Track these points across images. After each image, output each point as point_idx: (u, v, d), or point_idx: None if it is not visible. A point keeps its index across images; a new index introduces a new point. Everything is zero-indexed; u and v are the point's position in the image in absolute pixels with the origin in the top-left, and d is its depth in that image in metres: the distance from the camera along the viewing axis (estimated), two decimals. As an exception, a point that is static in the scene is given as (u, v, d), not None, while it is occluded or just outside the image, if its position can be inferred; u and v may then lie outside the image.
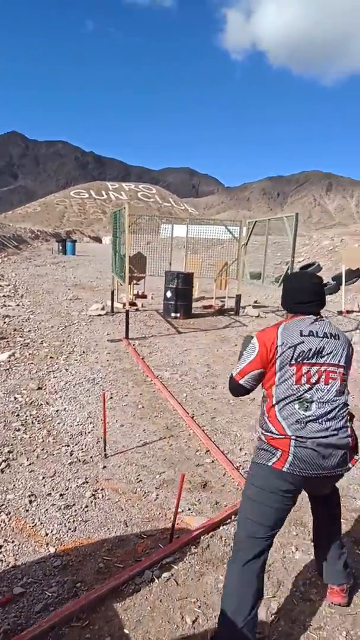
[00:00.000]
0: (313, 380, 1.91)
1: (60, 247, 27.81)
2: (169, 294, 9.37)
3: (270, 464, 1.86)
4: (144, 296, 12.41)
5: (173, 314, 9.34)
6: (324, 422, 1.87)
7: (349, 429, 1.91)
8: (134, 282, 11.25)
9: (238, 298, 10.12)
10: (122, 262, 8.84)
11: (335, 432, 1.86)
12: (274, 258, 15.73)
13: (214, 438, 3.82)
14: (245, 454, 3.57)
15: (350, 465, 1.91)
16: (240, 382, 2.05)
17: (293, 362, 1.93)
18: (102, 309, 9.59)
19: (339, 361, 1.97)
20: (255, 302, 12.33)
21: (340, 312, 10.74)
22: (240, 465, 3.37)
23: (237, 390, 2.10)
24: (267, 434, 1.91)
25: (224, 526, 2.70)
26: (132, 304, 10.69)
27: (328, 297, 13.15)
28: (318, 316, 2.07)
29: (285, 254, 10.18)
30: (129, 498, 2.97)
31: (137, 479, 3.18)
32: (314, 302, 2.09)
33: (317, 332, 1.99)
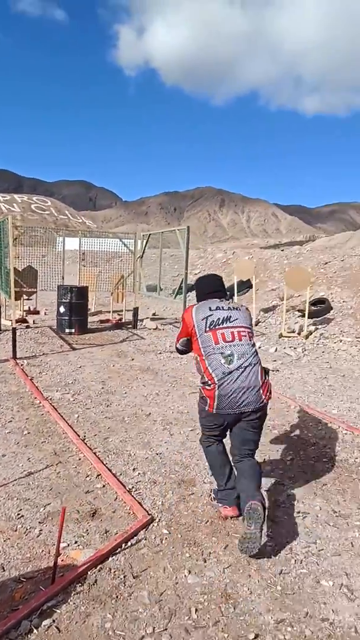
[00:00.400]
0: (229, 339, 2.68)
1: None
2: (62, 309, 8.97)
3: (206, 407, 2.70)
4: (36, 312, 11.77)
5: (67, 330, 8.95)
6: (242, 370, 2.61)
7: (259, 372, 2.66)
8: (24, 297, 10.62)
9: (135, 311, 10.02)
10: (7, 276, 8.29)
11: (252, 375, 2.62)
12: (172, 270, 15.98)
13: (106, 460, 3.61)
14: (139, 473, 3.42)
15: (264, 400, 2.65)
16: (177, 346, 3.01)
17: (207, 329, 2.73)
18: (-12, 327, 8.88)
19: (246, 324, 2.79)
20: (154, 314, 12.35)
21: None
22: (133, 487, 3.22)
23: (178, 351, 3.05)
24: (202, 385, 2.72)
25: (114, 557, 2.51)
26: (23, 320, 10.08)
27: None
28: (223, 297, 2.92)
29: (182, 266, 10.35)
30: (7, 537, 2.65)
31: (18, 514, 2.86)
32: (219, 291, 2.97)
33: (223, 307, 2.81)
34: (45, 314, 11.59)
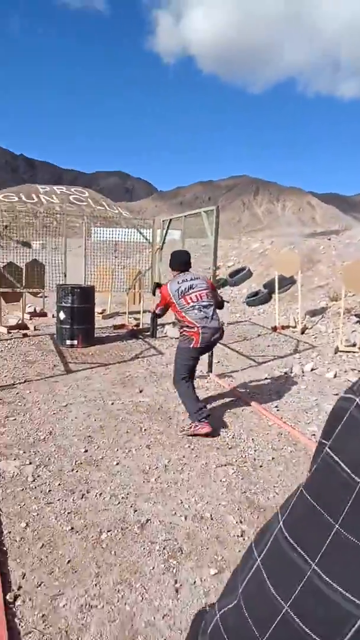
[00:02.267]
0: (195, 299, 4.07)
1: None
2: (62, 315, 7.21)
3: (191, 346, 4.02)
4: (42, 314, 10.11)
5: (69, 342, 7.19)
6: (210, 317, 4.04)
7: (218, 317, 4.15)
8: (33, 296, 8.93)
9: (153, 316, 8.13)
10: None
11: (215, 320, 4.07)
12: (201, 263, 14.00)
13: None
14: None
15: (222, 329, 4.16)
16: (157, 311, 4.39)
17: (180, 296, 4.08)
18: (-27, 337, 7.23)
19: (203, 287, 4.18)
20: (179, 317, 10.46)
21: (274, 329, 9.10)
22: None
23: (157, 315, 4.50)
24: (185, 329, 4.07)
25: None
26: (21, 326, 8.39)
27: (259, 307, 11.57)
28: (187, 271, 4.31)
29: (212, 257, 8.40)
30: None
31: None
32: (186, 266, 4.34)
33: (187, 279, 4.19)
34: (53, 316, 9.91)
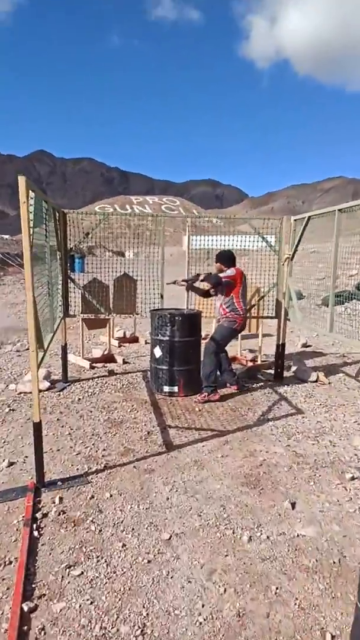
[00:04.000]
0: (245, 292, 5.15)
1: (68, 264, 24.26)
2: (158, 352, 5.27)
3: (233, 327, 5.01)
4: (133, 339, 8.35)
5: (167, 388, 5.24)
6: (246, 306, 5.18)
7: None
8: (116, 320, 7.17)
9: (281, 349, 5.91)
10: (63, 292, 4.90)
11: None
12: (314, 271, 11.45)
13: None
14: None
15: None
16: (223, 281, 4.90)
17: (243, 281, 5.04)
18: (46, 377, 5.57)
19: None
20: (305, 344, 8.09)
21: None
22: None
23: (219, 284, 4.94)
24: (233, 313, 4.97)
25: None
26: (108, 358, 6.64)
27: None
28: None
29: (328, 265, 5.99)
30: None
31: None
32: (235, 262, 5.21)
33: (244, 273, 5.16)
34: (146, 342, 8.12)
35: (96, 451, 3.78)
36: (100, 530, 2.75)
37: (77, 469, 3.49)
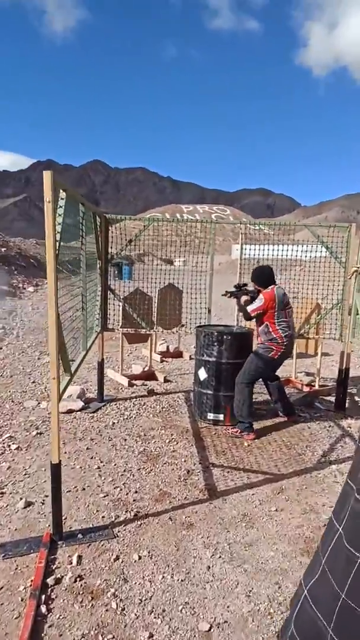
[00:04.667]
0: (290, 315, 4.37)
1: (116, 272, 24.31)
2: (202, 374, 4.69)
3: (269, 355, 4.28)
4: (177, 354, 7.82)
5: (211, 415, 4.64)
6: (292, 337, 4.39)
7: None
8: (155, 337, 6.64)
9: (344, 375, 5.16)
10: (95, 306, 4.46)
11: (293, 341, 4.62)
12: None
13: None
14: None
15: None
16: (252, 315, 4.32)
17: (282, 306, 4.27)
18: (80, 396, 5.12)
19: (290, 304, 4.49)
20: (367, 368, 7.23)
21: None
22: None
23: (249, 318, 4.42)
24: (270, 341, 4.28)
25: None
26: (149, 375, 6.15)
27: None
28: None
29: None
30: None
31: None
32: (274, 279, 4.47)
33: (285, 294, 4.38)
34: (190, 357, 7.56)
35: (127, 493, 3.25)
36: (123, 609, 2.19)
37: (103, 516, 2.96)
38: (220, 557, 2.60)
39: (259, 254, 7.70)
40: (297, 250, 6.70)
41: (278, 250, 6.74)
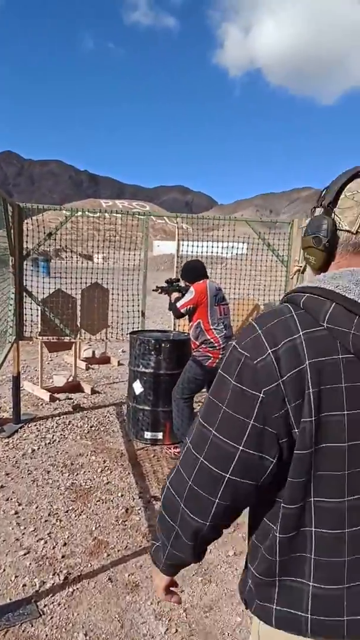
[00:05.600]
0: (224, 312, 3.77)
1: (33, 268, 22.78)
2: (138, 388, 4.13)
3: (207, 363, 3.63)
4: (104, 360, 7.18)
5: (149, 434, 4.10)
6: (230, 336, 3.67)
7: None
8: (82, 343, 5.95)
9: (177, 313, 4.90)
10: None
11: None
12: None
13: None
14: None
15: None
16: (182, 311, 3.72)
17: (216, 302, 3.70)
18: (-7, 418, 4.32)
19: (227, 301, 3.91)
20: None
21: None
22: None
23: (179, 315, 3.82)
24: (206, 346, 3.66)
25: None
26: (73, 387, 5.47)
27: None
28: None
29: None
30: None
31: None
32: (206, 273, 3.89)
33: (219, 288, 3.81)
34: (119, 363, 6.95)
35: (53, 547, 2.61)
36: None
37: (24, 584, 2.31)
38: (176, 631, 2.08)
39: (189, 250, 7.25)
40: (220, 247, 6.33)
41: (199, 247, 6.33)
